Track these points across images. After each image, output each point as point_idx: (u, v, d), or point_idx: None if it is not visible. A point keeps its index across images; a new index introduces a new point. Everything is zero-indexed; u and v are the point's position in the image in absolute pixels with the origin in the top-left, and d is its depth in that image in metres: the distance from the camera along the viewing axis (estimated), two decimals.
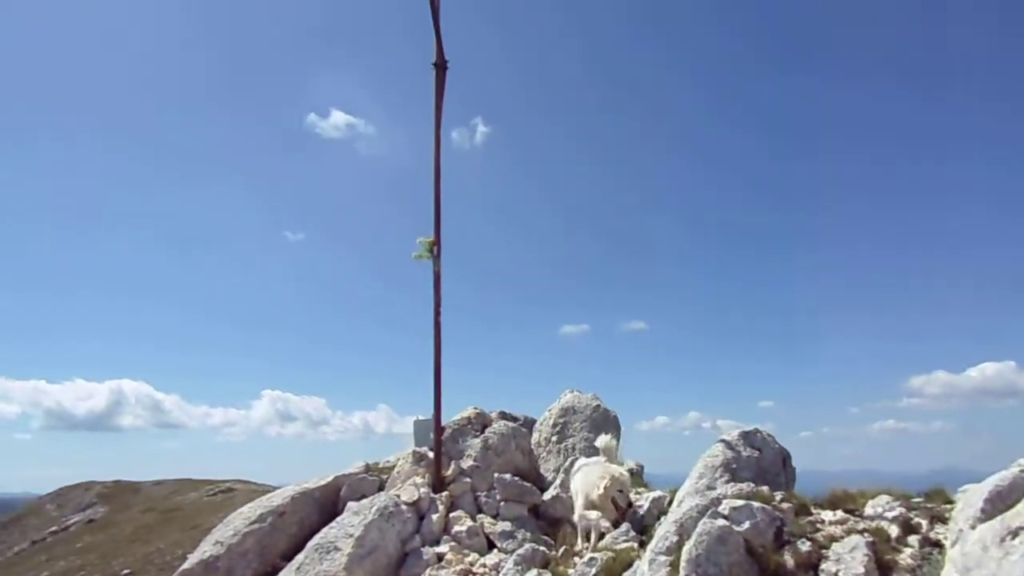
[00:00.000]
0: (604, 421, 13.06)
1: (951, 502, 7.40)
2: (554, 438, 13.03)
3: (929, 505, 7.48)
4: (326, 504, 12.13)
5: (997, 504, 6.09)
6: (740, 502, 7.41)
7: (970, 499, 6.65)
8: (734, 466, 9.26)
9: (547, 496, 11.33)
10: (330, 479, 12.47)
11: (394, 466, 12.77)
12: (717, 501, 7.64)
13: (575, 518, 9.44)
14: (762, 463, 9.59)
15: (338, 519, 10.84)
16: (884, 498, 7.64)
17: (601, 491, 8.86)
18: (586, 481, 9.30)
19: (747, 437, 9.90)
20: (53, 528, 38.05)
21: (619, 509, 8.91)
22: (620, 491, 8.92)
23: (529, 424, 13.90)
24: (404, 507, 10.46)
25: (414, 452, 12.03)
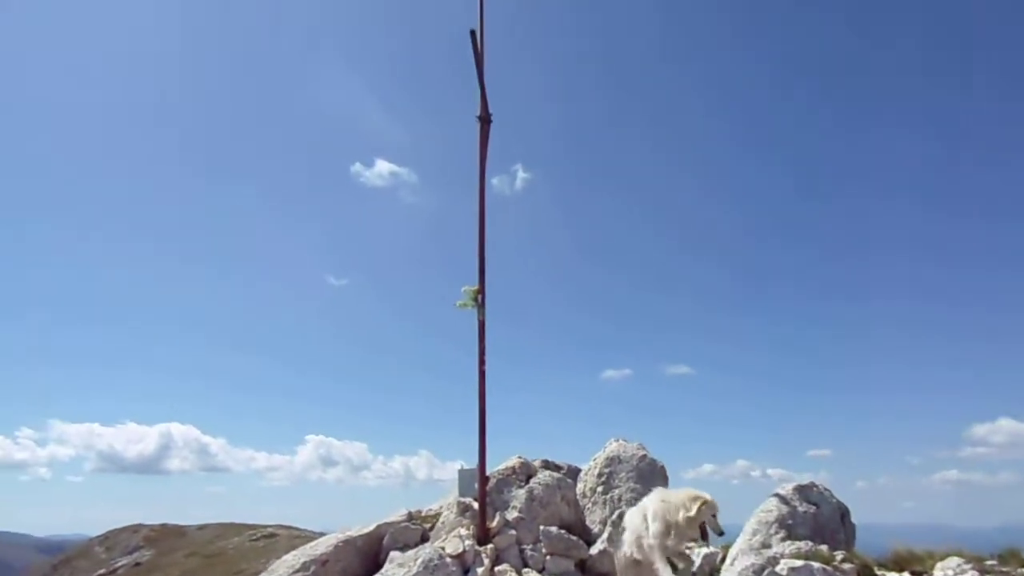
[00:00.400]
0: (651, 471, 12.76)
1: None
2: (599, 488, 12.77)
3: (1004, 568, 7.08)
4: (369, 552, 12.06)
5: None
6: (799, 562, 7.14)
7: None
8: (790, 522, 8.95)
9: (594, 550, 11.05)
10: (373, 527, 12.40)
11: (436, 514, 12.65)
12: (774, 560, 7.37)
13: (651, 555, 7.95)
14: (819, 519, 9.25)
15: (382, 571, 10.74)
16: (954, 560, 7.25)
17: (693, 513, 7.61)
18: (667, 502, 7.99)
19: (802, 491, 9.59)
20: (101, 571, 38.65)
21: (706, 538, 7.79)
22: (713, 516, 7.70)
23: (573, 473, 13.67)
24: (449, 560, 10.31)
25: (459, 502, 11.89)
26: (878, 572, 7.49)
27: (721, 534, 7.85)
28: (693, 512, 7.58)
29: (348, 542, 11.93)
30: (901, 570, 7.49)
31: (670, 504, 7.86)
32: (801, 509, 9.09)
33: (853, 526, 9.62)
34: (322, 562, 11.44)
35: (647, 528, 8.00)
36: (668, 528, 7.74)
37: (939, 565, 7.30)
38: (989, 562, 7.27)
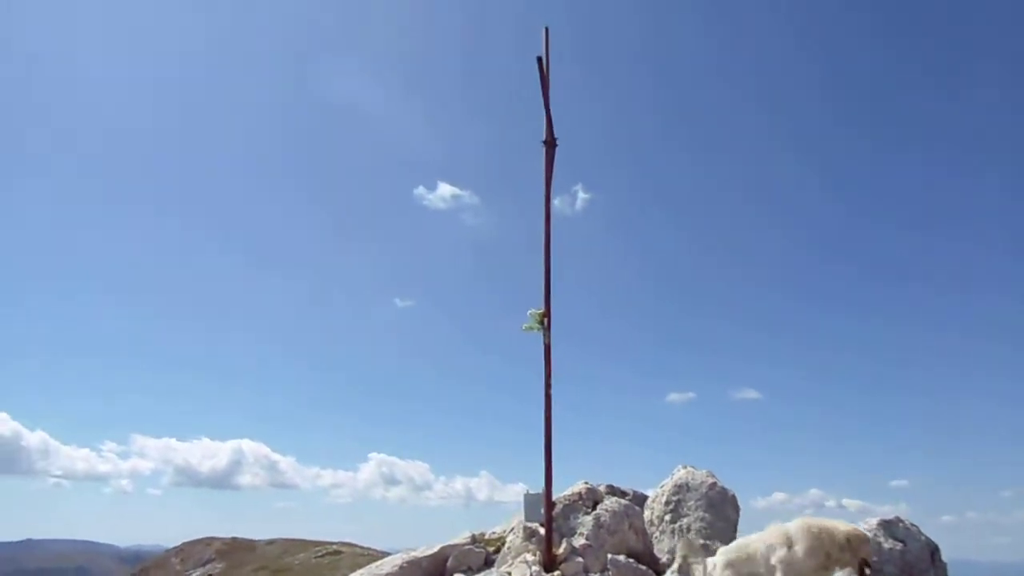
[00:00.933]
0: (721, 500, 12.37)
1: None
2: (667, 517, 12.44)
3: None
4: (434, 574, 12.11)
5: None
6: None
7: None
8: (874, 559, 8.48)
9: None
10: (437, 549, 12.47)
11: (500, 537, 12.61)
12: None
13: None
14: (907, 557, 8.76)
15: None
16: None
17: (862, 554, 7.02)
18: (828, 533, 7.23)
19: (887, 527, 9.11)
20: None
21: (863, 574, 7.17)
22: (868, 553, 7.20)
23: (639, 500, 13.39)
24: None
25: (524, 527, 11.81)
26: None
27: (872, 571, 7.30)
28: (863, 553, 7.08)
29: (413, 563, 12.03)
30: None
31: (834, 536, 7.21)
32: (887, 546, 8.63)
33: (944, 565, 9.07)
34: None
35: (787, 550, 7.38)
36: (827, 564, 7.11)
37: None
38: None
